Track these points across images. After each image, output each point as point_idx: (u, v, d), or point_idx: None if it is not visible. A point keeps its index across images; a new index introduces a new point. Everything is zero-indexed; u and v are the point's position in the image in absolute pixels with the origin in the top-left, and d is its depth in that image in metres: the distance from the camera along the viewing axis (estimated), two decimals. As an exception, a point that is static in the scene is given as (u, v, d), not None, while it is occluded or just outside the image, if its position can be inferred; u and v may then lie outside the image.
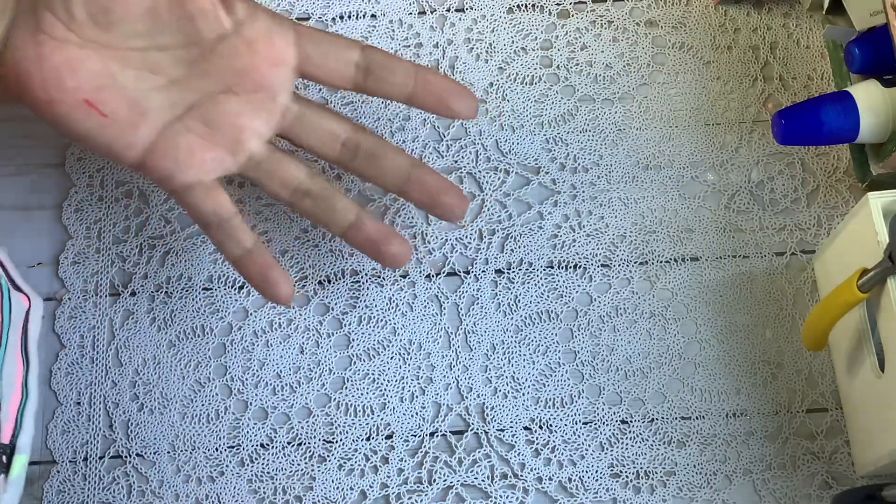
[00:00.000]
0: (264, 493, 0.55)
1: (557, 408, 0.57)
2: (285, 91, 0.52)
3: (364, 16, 0.64)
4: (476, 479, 0.56)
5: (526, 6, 0.64)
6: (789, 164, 0.61)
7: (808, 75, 0.63)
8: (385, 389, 0.57)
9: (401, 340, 0.58)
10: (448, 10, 0.64)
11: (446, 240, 0.59)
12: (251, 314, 0.58)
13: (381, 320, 0.58)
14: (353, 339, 0.58)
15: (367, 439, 0.56)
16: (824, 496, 0.55)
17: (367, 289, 0.59)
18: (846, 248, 0.54)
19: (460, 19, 0.64)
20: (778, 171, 0.61)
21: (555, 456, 0.56)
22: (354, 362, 0.58)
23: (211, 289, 0.59)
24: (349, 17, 0.64)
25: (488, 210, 0.60)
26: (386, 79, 0.53)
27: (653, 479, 0.56)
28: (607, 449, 0.56)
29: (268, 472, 0.56)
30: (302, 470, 0.56)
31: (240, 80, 0.51)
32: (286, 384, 0.57)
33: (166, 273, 0.59)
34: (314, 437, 0.56)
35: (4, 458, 0.49)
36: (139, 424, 0.56)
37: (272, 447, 0.56)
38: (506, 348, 0.58)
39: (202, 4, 0.50)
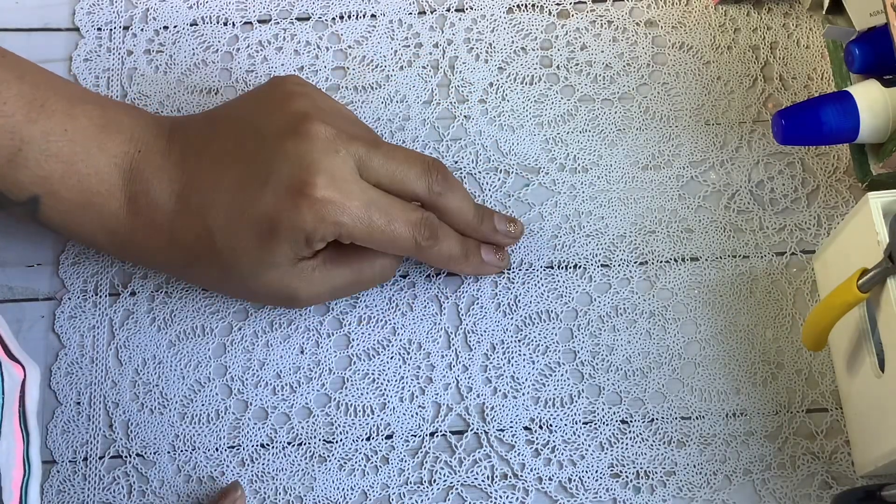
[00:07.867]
0: (265, 493, 0.55)
1: (557, 408, 0.57)
2: None
3: (364, 16, 0.64)
4: (476, 479, 0.56)
5: (526, 6, 0.64)
6: (789, 164, 0.61)
7: (808, 75, 0.63)
8: (385, 389, 0.57)
9: (400, 340, 0.58)
10: (448, 10, 0.64)
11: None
12: (251, 314, 0.58)
13: (381, 320, 0.58)
14: (353, 339, 0.58)
15: (368, 439, 0.56)
16: (824, 496, 0.55)
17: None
18: (846, 248, 0.54)
19: (460, 19, 0.64)
20: (778, 171, 0.61)
21: (555, 456, 0.56)
22: (354, 362, 0.58)
23: (211, 289, 0.59)
24: (349, 17, 0.64)
25: (488, 210, 0.60)
26: None
27: (653, 479, 0.56)
28: (607, 449, 0.56)
29: (268, 473, 0.56)
30: (302, 470, 0.56)
31: None
32: (286, 384, 0.57)
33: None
34: (314, 437, 0.56)
35: None
36: (139, 424, 0.56)
37: (272, 447, 0.56)
38: (505, 348, 0.58)
39: None
